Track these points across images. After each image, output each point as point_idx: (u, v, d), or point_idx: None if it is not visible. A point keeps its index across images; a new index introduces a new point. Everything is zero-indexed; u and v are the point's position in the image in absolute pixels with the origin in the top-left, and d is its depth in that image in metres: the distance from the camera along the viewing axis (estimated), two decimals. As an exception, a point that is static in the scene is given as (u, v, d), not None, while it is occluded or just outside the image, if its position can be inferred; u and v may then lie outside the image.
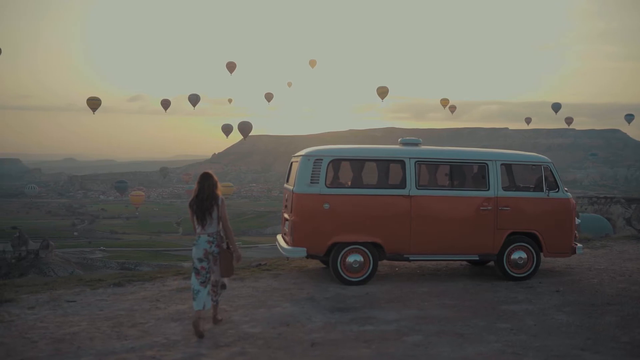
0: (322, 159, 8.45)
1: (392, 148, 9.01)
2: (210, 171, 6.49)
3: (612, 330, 6.34)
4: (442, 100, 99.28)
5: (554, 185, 8.95)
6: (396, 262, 9.67)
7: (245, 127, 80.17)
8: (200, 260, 6.17)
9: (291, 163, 9.26)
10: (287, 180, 9.30)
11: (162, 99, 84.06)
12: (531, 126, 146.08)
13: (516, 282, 8.67)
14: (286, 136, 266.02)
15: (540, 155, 9.37)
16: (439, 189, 8.82)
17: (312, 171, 8.38)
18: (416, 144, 9.06)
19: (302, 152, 8.77)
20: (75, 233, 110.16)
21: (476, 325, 6.53)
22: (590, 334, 6.17)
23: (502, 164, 8.85)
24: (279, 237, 9.34)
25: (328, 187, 8.39)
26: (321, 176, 8.36)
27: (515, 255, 8.78)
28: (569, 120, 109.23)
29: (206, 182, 6.28)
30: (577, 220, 9.28)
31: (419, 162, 8.67)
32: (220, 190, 6.37)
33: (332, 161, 8.51)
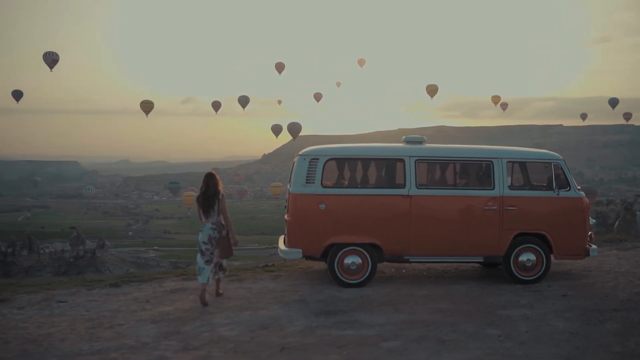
0: (318, 159, 8.27)
1: (391, 146, 8.75)
2: (213, 171, 7.69)
3: (608, 338, 5.92)
4: (493, 97, 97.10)
5: (565, 184, 8.48)
6: (404, 264, 9.38)
7: (294, 128, 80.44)
8: (205, 243, 7.39)
9: (293, 163, 9.12)
10: (289, 181, 9.16)
11: (212, 100, 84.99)
12: (587, 122, 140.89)
13: (524, 285, 8.27)
14: (335, 136, 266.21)
15: (550, 152, 8.91)
16: (440, 189, 8.51)
17: (308, 171, 8.21)
18: (420, 142, 8.77)
19: (300, 152, 8.62)
20: (130, 233, 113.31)
21: (464, 330, 6.23)
22: (582, 343, 5.78)
23: (508, 162, 8.46)
24: (281, 238, 9.20)
25: (324, 187, 8.20)
26: (317, 176, 8.18)
27: (523, 257, 8.37)
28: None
29: (211, 181, 7.49)
30: (592, 221, 8.78)
31: (420, 161, 8.37)
32: (222, 187, 7.58)
33: (328, 160, 8.32)
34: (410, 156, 8.31)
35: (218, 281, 7.68)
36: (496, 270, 9.32)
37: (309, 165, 8.23)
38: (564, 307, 7.12)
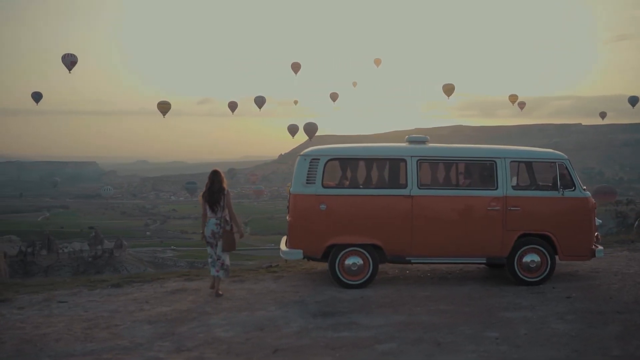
0: (319, 159, 8.23)
1: (392, 146, 8.69)
2: (218, 169, 8.00)
3: (608, 341, 5.80)
4: (510, 96, 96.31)
5: (570, 184, 8.35)
6: (408, 265, 9.29)
7: (310, 128, 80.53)
8: (210, 237, 7.76)
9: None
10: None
11: (229, 101, 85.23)
12: (606, 121, 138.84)
13: (528, 287, 8.15)
14: (352, 136, 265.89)
15: (555, 151, 8.78)
16: (442, 189, 8.41)
17: (309, 171, 8.18)
18: (423, 142, 8.69)
19: (301, 152, 8.59)
20: (148, 233, 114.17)
21: (462, 333, 6.15)
22: (580, 346, 5.68)
23: (512, 162, 8.35)
24: (283, 239, 9.18)
25: (325, 188, 8.16)
26: (317, 176, 8.14)
27: (527, 258, 8.25)
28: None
29: (216, 178, 7.80)
30: (598, 221, 8.63)
31: (422, 161, 8.29)
32: (226, 184, 7.88)
33: (329, 161, 8.27)
34: (412, 156, 8.23)
35: (218, 281, 7.79)
36: (501, 271, 9.19)
37: (310, 165, 8.20)
38: (566, 310, 7.01)
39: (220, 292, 7.74)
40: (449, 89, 77.53)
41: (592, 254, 8.39)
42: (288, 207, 8.80)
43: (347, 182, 8.49)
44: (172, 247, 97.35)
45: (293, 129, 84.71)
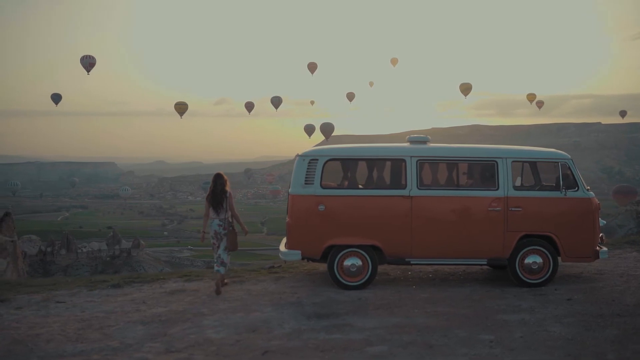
0: (317, 159, 8.18)
1: (392, 146, 8.61)
2: (221, 172, 8.36)
3: (604, 345, 5.67)
4: (528, 95, 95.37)
5: (573, 184, 8.21)
6: (410, 266, 9.22)
7: (327, 128, 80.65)
8: (212, 237, 8.09)
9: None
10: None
11: (246, 101, 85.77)
12: (626, 120, 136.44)
13: (530, 288, 8.03)
14: (368, 136, 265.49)
15: (558, 151, 8.63)
16: (442, 189, 8.31)
17: (307, 172, 8.14)
18: (424, 142, 8.61)
19: (300, 153, 8.55)
20: (165, 233, 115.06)
21: (456, 335, 6.06)
22: (575, 349, 5.56)
23: (513, 162, 8.24)
24: (283, 240, 9.14)
25: (323, 188, 8.11)
26: (316, 177, 8.10)
27: (529, 260, 8.13)
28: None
29: (219, 181, 8.17)
30: (602, 222, 8.47)
31: (421, 161, 8.21)
32: (229, 186, 8.23)
33: (328, 161, 8.22)
34: (411, 156, 8.15)
35: (219, 278, 8.04)
36: (504, 272, 9.08)
37: (308, 166, 8.16)
38: (565, 312, 6.88)
39: (220, 291, 7.84)
40: (466, 88, 77.02)
41: (596, 255, 8.24)
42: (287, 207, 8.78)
43: (346, 183, 8.43)
44: (189, 246, 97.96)
45: (310, 129, 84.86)
